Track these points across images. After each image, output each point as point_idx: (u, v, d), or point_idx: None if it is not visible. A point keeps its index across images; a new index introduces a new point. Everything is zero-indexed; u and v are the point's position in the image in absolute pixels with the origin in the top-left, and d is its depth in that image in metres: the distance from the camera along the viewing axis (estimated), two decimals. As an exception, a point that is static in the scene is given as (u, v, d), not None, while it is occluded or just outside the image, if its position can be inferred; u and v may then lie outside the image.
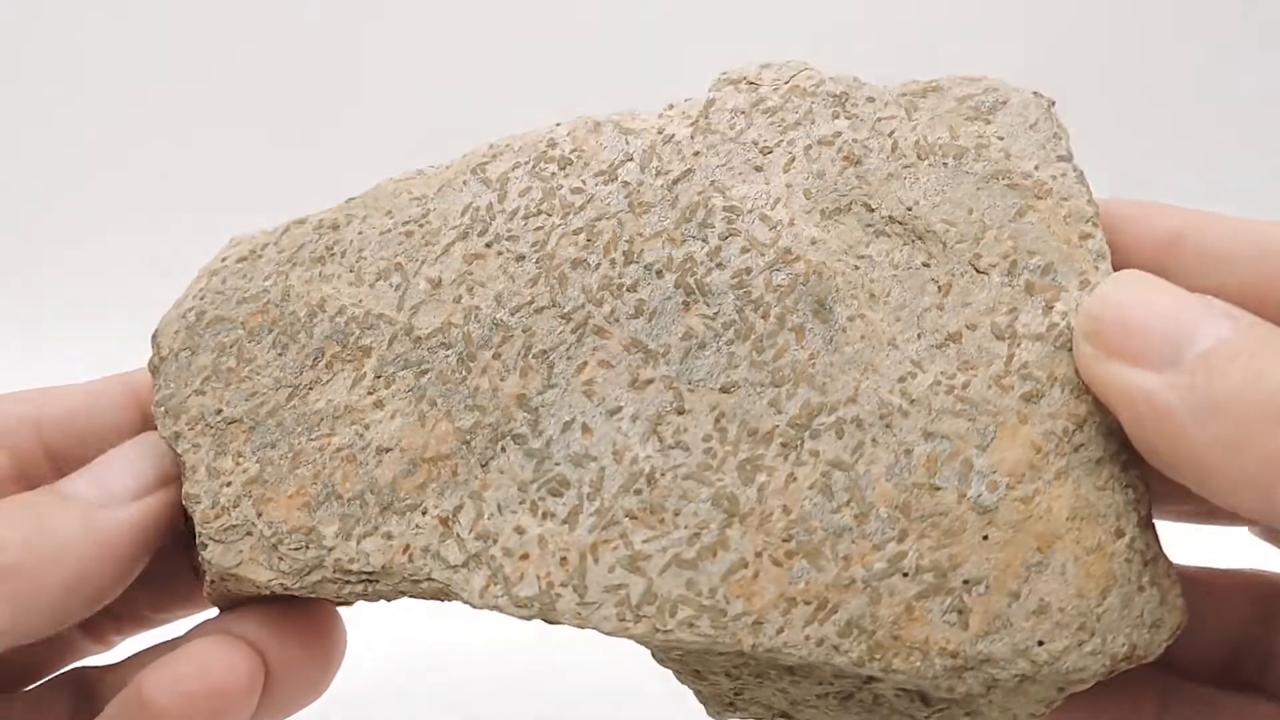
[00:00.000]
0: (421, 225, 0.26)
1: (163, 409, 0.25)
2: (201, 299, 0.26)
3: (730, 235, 0.24)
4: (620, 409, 0.23)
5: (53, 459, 0.27)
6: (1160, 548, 0.22)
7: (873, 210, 0.25)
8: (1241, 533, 0.25)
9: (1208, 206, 0.23)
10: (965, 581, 0.21)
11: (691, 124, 0.26)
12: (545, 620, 0.22)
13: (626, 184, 0.25)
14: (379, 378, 0.25)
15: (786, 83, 0.26)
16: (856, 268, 0.24)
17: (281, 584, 0.24)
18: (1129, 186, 0.25)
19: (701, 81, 0.28)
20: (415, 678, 0.41)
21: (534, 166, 0.26)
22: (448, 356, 0.24)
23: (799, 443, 0.22)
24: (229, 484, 0.24)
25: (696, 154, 0.26)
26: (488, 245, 0.26)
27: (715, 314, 0.24)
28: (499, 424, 0.24)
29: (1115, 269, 0.23)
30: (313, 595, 0.24)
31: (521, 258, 0.25)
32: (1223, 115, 0.53)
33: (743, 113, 0.26)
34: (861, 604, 0.21)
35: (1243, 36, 0.53)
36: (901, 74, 0.27)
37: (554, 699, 0.39)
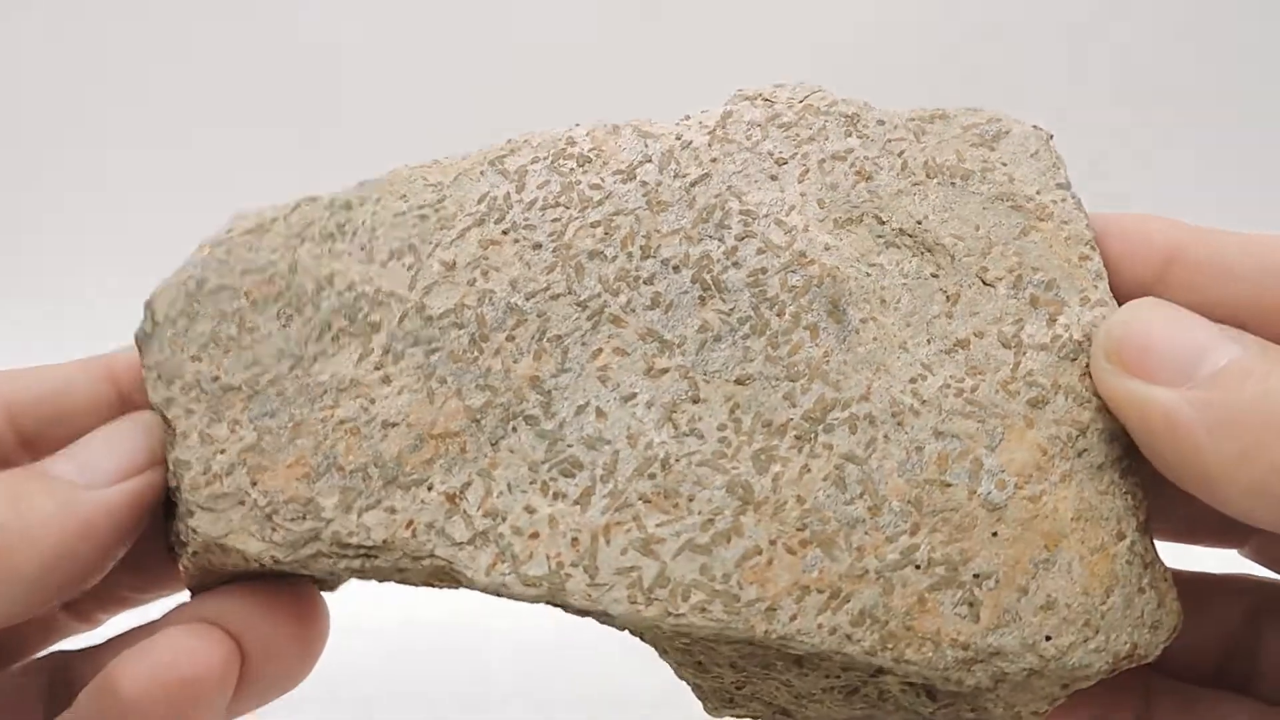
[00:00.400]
0: (437, 210, 0.26)
1: (155, 374, 0.24)
2: (203, 268, 0.26)
3: (746, 237, 0.25)
4: (635, 395, 0.23)
5: (25, 443, 0.26)
6: (1157, 553, 0.22)
7: (883, 222, 0.25)
8: (1231, 555, 0.26)
9: (1204, 221, 0.24)
10: (976, 576, 0.21)
11: (709, 133, 0.27)
12: (552, 601, 0.22)
13: (645, 183, 0.26)
14: (387, 353, 0.24)
15: (801, 101, 0.27)
16: (868, 274, 0.25)
17: (272, 556, 0.23)
18: (1125, 201, 0.26)
19: (706, 102, 0.29)
20: (413, 677, 0.39)
21: (553, 162, 0.27)
22: (459, 336, 0.24)
23: (813, 436, 0.23)
24: (222, 451, 0.23)
25: (714, 160, 0.26)
26: (504, 233, 0.26)
27: (731, 309, 0.24)
28: (511, 404, 0.23)
29: (1112, 283, 0.24)
30: (303, 571, 0.23)
31: (538, 246, 0.25)
32: (1220, 128, 0.53)
33: (759, 125, 0.27)
34: (874, 594, 0.21)
35: (1243, 44, 0.54)
36: (901, 102, 0.28)
37: (553, 700, 0.37)
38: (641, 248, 0.25)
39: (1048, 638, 0.21)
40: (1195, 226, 0.23)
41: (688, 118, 0.28)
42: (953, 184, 0.26)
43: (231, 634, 0.23)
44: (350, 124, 0.57)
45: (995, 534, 0.22)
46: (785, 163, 0.26)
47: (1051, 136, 0.27)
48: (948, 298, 0.24)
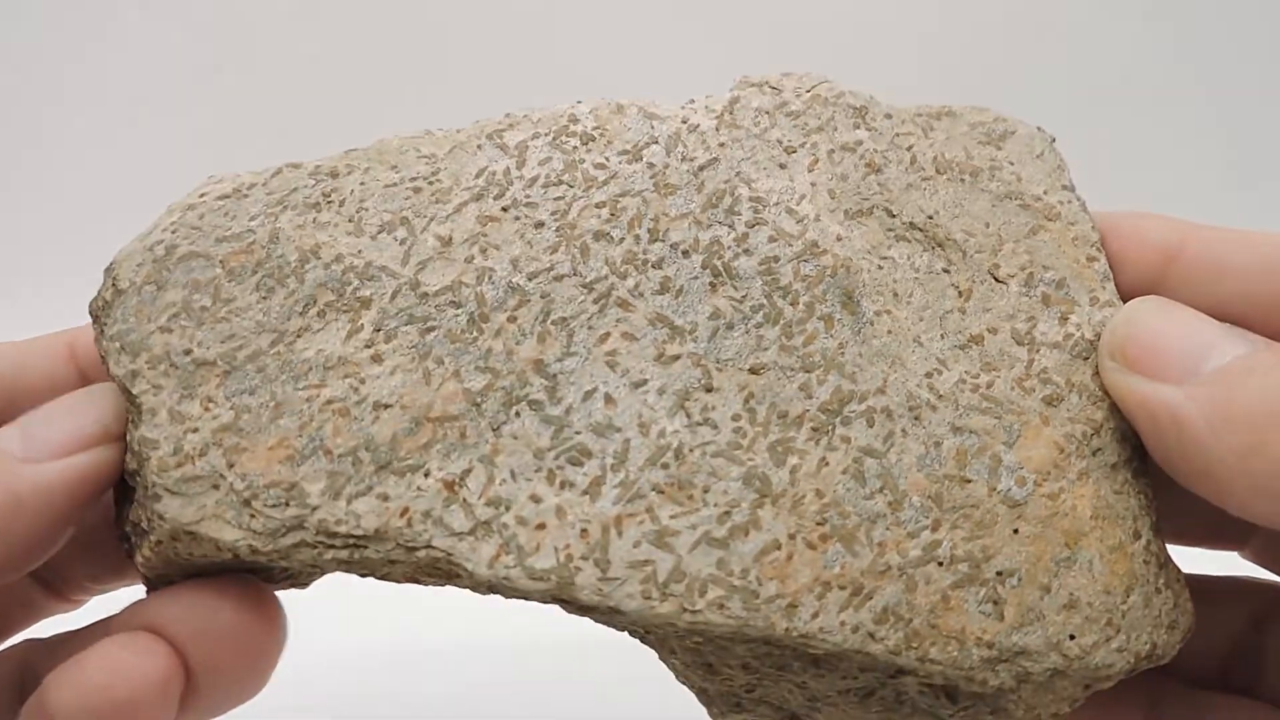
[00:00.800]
0: (431, 183, 0.25)
1: (117, 344, 0.22)
2: (173, 233, 0.24)
3: (757, 224, 0.24)
4: (646, 382, 0.22)
5: None
6: (1168, 554, 0.22)
7: (894, 215, 0.25)
8: (1232, 557, 0.26)
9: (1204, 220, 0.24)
10: (999, 573, 0.21)
11: (716, 117, 0.26)
12: (559, 597, 0.20)
13: (652, 165, 0.25)
14: (378, 331, 0.23)
15: (809, 91, 0.27)
16: (880, 267, 0.24)
17: (250, 545, 0.21)
18: (1123, 199, 0.26)
19: (702, 91, 0.28)
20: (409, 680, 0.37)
21: (555, 139, 0.25)
22: (457, 316, 0.23)
23: (830, 428, 0.22)
24: (195, 430, 0.21)
25: (722, 145, 0.26)
26: (504, 209, 0.24)
27: (743, 297, 0.23)
28: (513, 388, 0.22)
29: (1115, 281, 0.24)
30: (282, 563, 0.21)
31: (540, 224, 0.24)
32: (1221, 126, 0.54)
33: (767, 112, 0.26)
34: (898, 591, 0.20)
35: (1243, 44, 0.54)
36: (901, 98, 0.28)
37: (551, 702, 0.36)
38: (649, 231, 0.24)
39: (1071, 636, 0.20)
40: (1194, 224, 0.24)
41: (692, 102, 0.27)
42: (962, 180, 0.26)
43: (174, 644, 0.21)
44: (334, 97, 0.55)
45: (1016, 531, 0.21)
46: (794, 151, 0.26)
47: (1054, 139, 0.27)
48: (960, 293, 0.24)
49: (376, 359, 0.22)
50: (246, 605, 0.22)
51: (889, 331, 0.23)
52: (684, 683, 0.23)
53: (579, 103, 0.26)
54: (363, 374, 0.22)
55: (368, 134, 0.26)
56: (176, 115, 0.55)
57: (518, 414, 0.22)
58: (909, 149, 0.26)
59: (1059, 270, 0.24)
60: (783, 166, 0.25)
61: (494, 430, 0.22)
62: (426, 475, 0.21)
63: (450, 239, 0.24)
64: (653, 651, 0.23)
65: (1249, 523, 0.23)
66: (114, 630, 0.22)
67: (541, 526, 0.21)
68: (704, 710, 0.24)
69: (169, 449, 0.21)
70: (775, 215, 0.24)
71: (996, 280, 0.24)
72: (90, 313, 0.23)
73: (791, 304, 0.23)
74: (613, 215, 0.24)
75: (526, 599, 0.21)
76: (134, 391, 0.22)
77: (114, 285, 0.23)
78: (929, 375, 0.23)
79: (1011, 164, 0.26)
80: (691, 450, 0.22)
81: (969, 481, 0.22)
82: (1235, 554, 0.26)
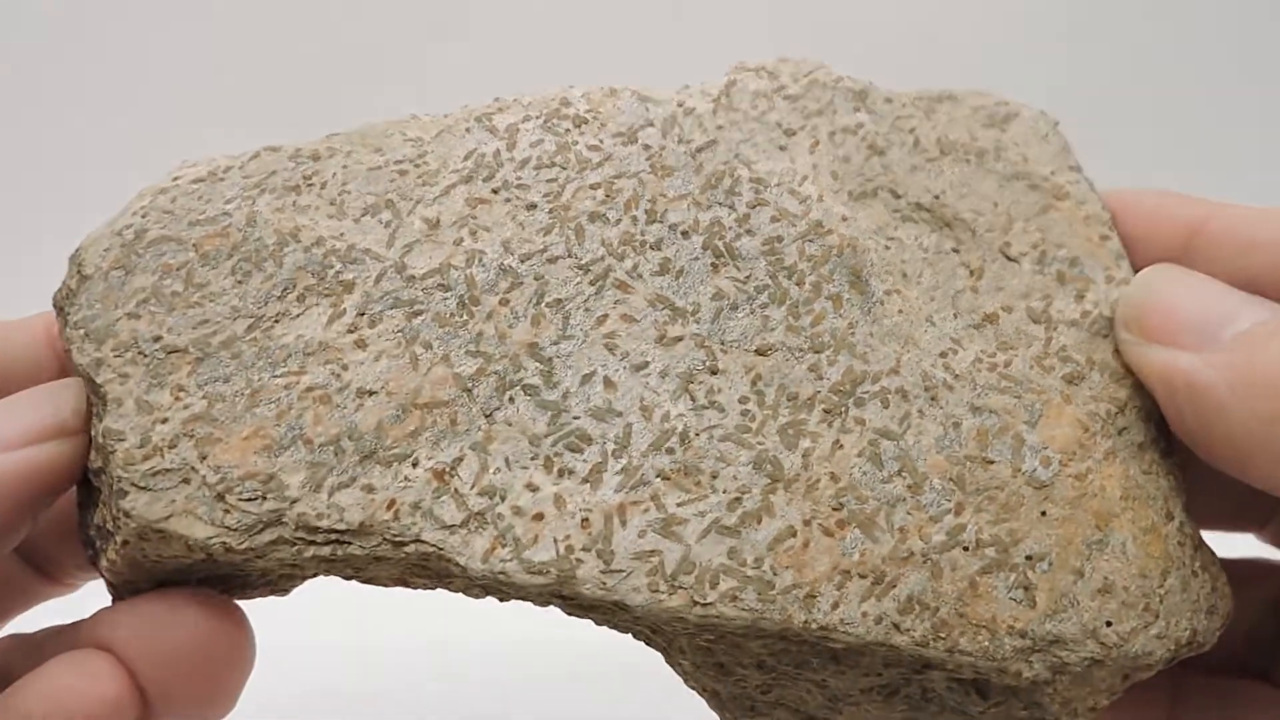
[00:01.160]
0: (417, 165, 0.24)
1: (81, 331, 0.21)
2: (143, 216, 0.22)
3: (759, 205, 0.23)
4: (647, 364, 0.21)
5: None
6: (1202, 536, 0.21)
7: (899, 197, 0.24)
8: (1248, 539, 0.25)
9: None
10: (1028, 557, 0.19)
11: (713, 101, 0.25)
12: (560, 591, 0.19)
13: (648, 147, 0.24)
14: (362, 315, 0.21)
15: (806, 75, 0.26)
16: (887, 248, 0.23)
17: (224, 543, 0.19)
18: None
19: (695, 78, 0.27)
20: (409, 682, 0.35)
21: (546, 121, 0.24)
22: (446, 299, 0.22)
23: (843, 410, 0.21)
24: (165, 420, 0.20)
25: (719, 127, 0.25)
26: (494, 191, 0.23)
27: (747, 277, 0.22)
28: (506, 372, 0.21)
29: (1132, 261, 0.23)
30: (259, 561, 0.20)
31: (532, 206, 0.23)
32: (1225, 119, 0.54)
33: (764, 96, 0.25)
34: (922, 578, 0.19)
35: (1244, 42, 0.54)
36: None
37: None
38: (647, 212, 0.23)
39: (1108, 623, 0.19)
40: (1214, 201, 0.23)
41: (687, 87, 0.26)
42: (968, 161, 0.25)
43: (126, 664, 0.20)
44: (315, 85, 0.53)
45: (1044, 513, 0.20)
46: (794, 134, 0.25)
47: (1058, 122, 0.26)
48: (971, 272, 0.23)
49: (360, 344, 0.21)
50: (205, 623, 0.20)
51: (900, 311, 0.22)
52: (693, 686, 0.21)
53: (571, 87, 0.25)
54: (345, 360, 0.21)
55: (353, 122, 0.25)
56: (164, 103, 0.54)
57: (511, 399, 0.20)
58: (911, 131, 0.25)
59: (1072, 248, 0.23)
60: (783, 149, 0.24)
61: (486, 416, 0.20)
62: (415, 465, 0.20)
63: (438, 221, 0.23)
64: (659, 655, 0.21)
65: (1269, 504, 0.22)
66: (73, 644, 0.20)
67: (539, 517, 0.19)
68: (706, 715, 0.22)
69: (135, 441, 0.20)
70: (777, 196, 0.23)
71: (1008, 259, 0.23)
72: (54, 304, 0.22)
73: (797, 284, 0.22)
74: (608, 196, 0.23)
75: (524, 598, 0.20)
76: (99, 381, 0.20)
77: (79, 272, 0.22)
78: (943, 355, 0.22)
79: (1017, 145, 0.25)
80: (698, 434, 0.20)
81: (992, 463, 0.20)
82: (1253, 538, 0.25)
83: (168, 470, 0.19)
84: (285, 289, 0.21)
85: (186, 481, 0.19)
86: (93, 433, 0.20)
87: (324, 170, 0.23)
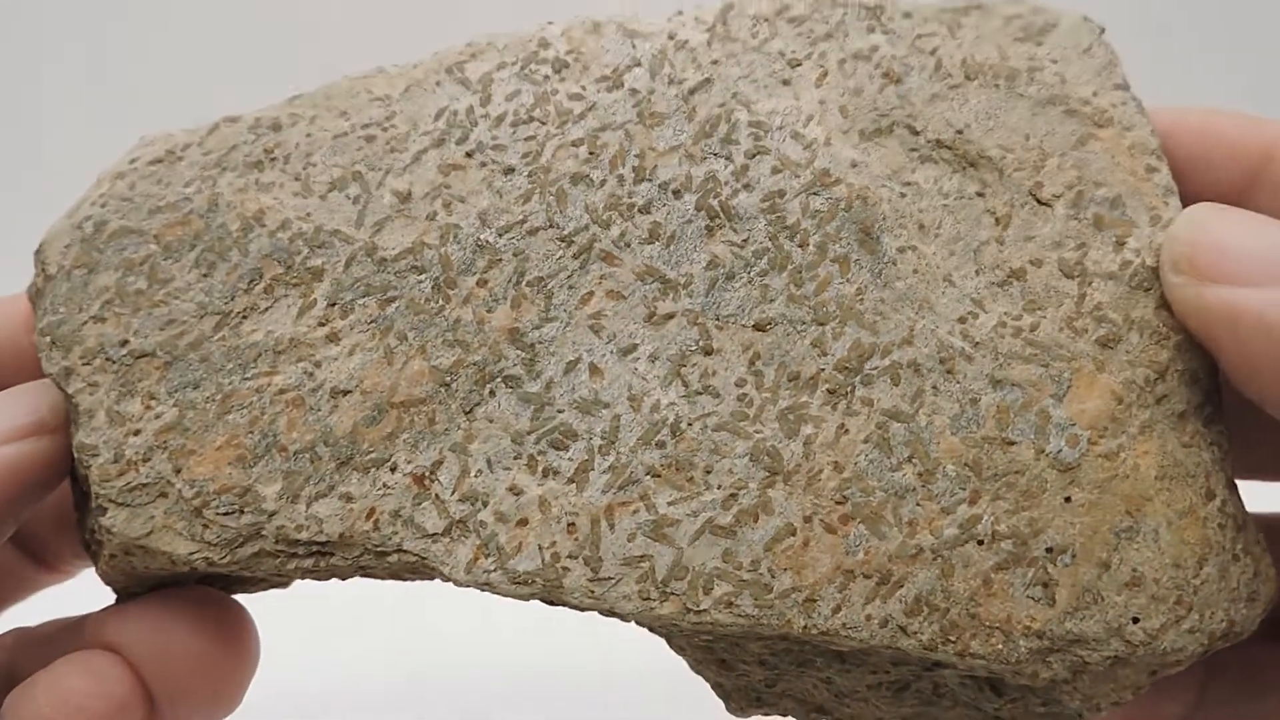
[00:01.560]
0: (385, 129, 0.22)
1: (49, 339, 0.20)
2: (103, 206, 0.21)
3: (758, 153, 0.21)
4: (635, 347, 0.20)
5: None
6: (1246, 511, 0.19)
7: (917, 133, 0.22)
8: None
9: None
10: (1049, 550, 0.18)
11: (708, 30, 0.23)
12: (547, 600, 0.18)
13: (635, 91, 0.22)
14: (333, 305, 0.20)
15: None
16: (903, 195, 0.21)
17: (206, 558, 0.19)
18: None
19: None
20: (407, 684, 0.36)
21: (523, 68, 0.22)
22: (420, 282, 0.20)
23: (849, 389, 0.19)
24: (137, 432, 0.19)
25: (715, 62, 0.22)
26: (468, 155, 0.21)
27: (744, 241, 0.20)
28: (486, 363, 0.19)
29: (1184, 192, 0.21)
30: (245, 574, 0.19)
31: (510, 170, 0.21)
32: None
33: (766, 20, 0.23)
34: (931, 577, 0.18)
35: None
36: None
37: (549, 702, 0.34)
38: (634, 169, 0.21)
39: (1135, 620, 0.18)
40: None
41: (680, 13, 0.23)
42: (996, 85, 0.22)
43: (132, 665, 0.20)
44: (282, 35, 0.51)
45: (1069, 499, 0.18)
46: (799, 64, 0.22)
47: (1103, 29, 0.23)
48: (997, 220, 0.21)
49: (332, 338, 0.20)
50: (209, 625, 0.21)
51: (914, 271, 0.20)
52: (699, 674, 0.21)
53: (550, 23, 0.23)
54: (318, 356, 0.20)
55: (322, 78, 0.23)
56: (164, 101, 0.52)
57: (492, 393, 0.19)
58: (933, 53, 0.22)
59: (1113, 186, 0.21)
60: (786, 83, 0.22)
61: (466, 414, 0.19)
62: (393, 470, 0.19)
63: (409, 194, 0.21)
64: (662, 652, 0.20)
65: None
66: (80, 642, 0.20)
67: (523, 523, 0.18)
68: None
69: (109, 455, 0.19)
70: (779, 142, 0.21)
71: (1039, 203, 0.21)
72: (29, 299, 0.21)
73: (800, 246, 0.20)
74: (592, 154, 0.21)
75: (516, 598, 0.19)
76: (69, 391, 0.20)
77: (44, 271, 0.21)
78: (962, 320, 0.20)
79: (1054, 62, 0.22)
80: (690, 425, 0.19)
81: (1012, 444, 0.19)
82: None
83: (144, 485, 0.19)
84: (251, 280, 0.20)
85: (164, 495, 0.19)
86: (73, 444, 0.20)
87: (287, 141, 0.22)
